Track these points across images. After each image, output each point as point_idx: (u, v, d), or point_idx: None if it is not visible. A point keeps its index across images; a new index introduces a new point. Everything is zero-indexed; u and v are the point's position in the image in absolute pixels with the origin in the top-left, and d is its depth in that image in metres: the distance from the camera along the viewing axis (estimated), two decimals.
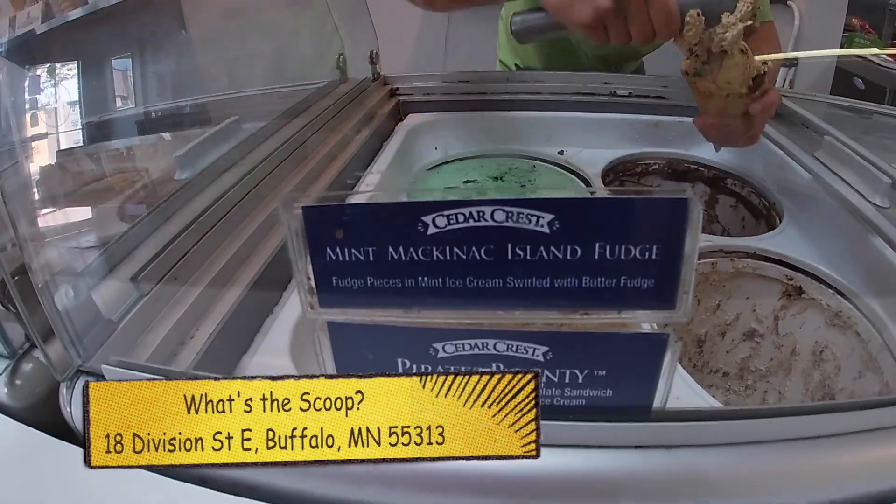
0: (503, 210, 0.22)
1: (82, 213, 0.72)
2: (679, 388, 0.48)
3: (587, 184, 0.87)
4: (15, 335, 0.40)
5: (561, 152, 0.94)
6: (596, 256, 0.23)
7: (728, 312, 0.76)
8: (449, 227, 0.22)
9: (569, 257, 0.23)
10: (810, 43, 2.27)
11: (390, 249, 0.23)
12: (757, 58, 0.62)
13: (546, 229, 0.22)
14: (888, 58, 2.37)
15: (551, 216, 0.22)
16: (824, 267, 0.67)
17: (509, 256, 0.23)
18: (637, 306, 0.25)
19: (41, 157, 0.76)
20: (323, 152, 0.71)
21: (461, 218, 0.22)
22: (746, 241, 0.72)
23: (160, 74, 1.66)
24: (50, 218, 0.51)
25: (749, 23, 0.59)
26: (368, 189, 0.70)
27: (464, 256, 0.23)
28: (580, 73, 0.99)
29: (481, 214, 0.22)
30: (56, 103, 0.90)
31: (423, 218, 0.22)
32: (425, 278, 0.23)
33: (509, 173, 0.93)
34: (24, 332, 0.39)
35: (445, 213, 0.22)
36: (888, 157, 0.94)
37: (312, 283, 0.24)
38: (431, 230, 0.23)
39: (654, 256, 0.23)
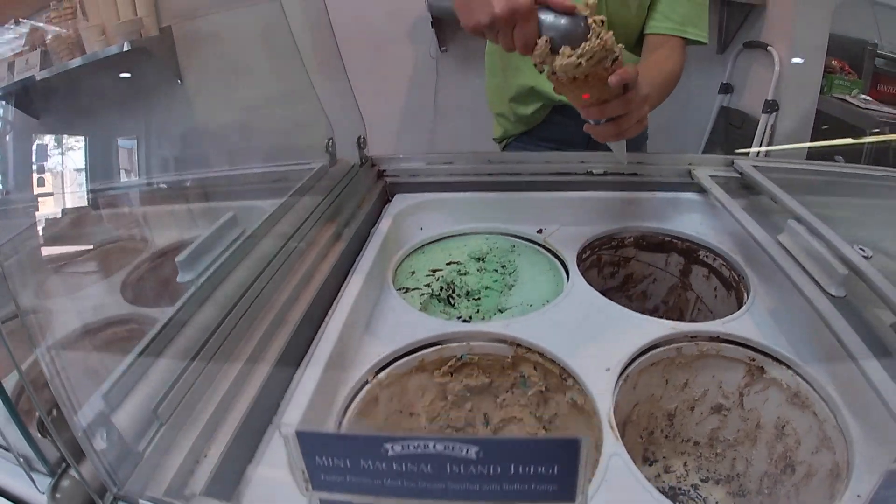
0: (442, 443, 0.31)
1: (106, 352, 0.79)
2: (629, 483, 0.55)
3: (563, 264, 0.95)
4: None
5: (539, 231, 1.02)
6: (511, 473, 0.31)
7: (695, 389, 0.83)
8: (404, 452, 0.31)
9: (490, 473, 0.32)
10: (791, 87, 2.37)
11: (362, 461, 0.31)
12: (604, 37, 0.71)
13: (473, 456, 0.31)
14: (867, 98, 2.48)
15: (476, 448, 0.31)
16: (784, 349, 0.74)
17: (447, 471, 0.31)
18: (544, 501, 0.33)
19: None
20: (315, 251, 0.79)
21: (413, 446, 0.30)
22: (710, 325, 0.79)
23: (160, 146, 1.75)
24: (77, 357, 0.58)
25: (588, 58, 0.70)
26: None
27: (415, 469, 0.31)
28: (558, 153, 1.08)
29: (427, 445, 0.30)
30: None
31: (386, 445, 0.31)
32: (388, 481, 0.32)
33: (490, 253, 1.00)
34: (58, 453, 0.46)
35: (402, 442, 0.30)
36: (855, 221, 1.03)
37: (306, 474, 0.33)
38: (392, 452, 0.31)
39: (554, 472, 0.32)
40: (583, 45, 0.69)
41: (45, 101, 3.20)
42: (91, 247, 1.17)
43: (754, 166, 1.08)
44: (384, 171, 1.09)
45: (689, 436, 0.87)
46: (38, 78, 3.00)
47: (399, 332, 0.77)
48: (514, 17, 0.70)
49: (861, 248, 0.78)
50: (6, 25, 3.06)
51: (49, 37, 2.91)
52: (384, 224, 0.97)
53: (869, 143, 1.15)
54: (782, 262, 0.79)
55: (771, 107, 2.34)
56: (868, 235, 0.94)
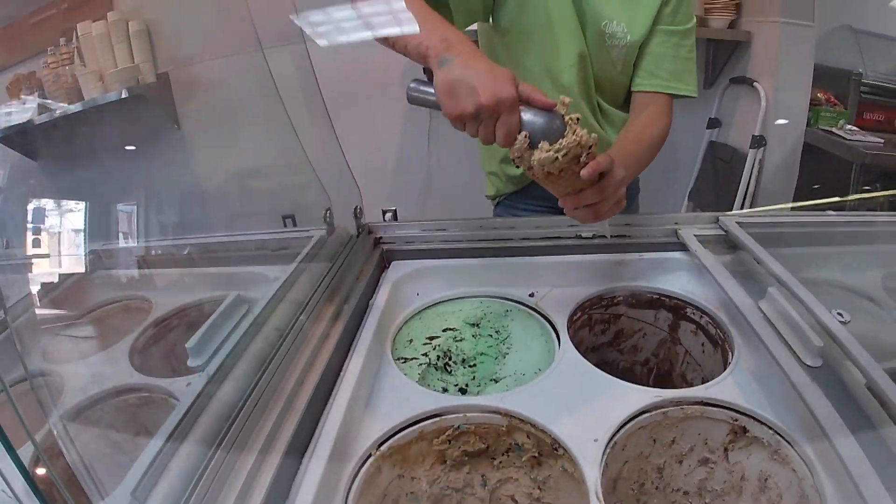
0: None
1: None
2: None
3: (553, 328, 1.00)
4: None
5: (531, 294, 1.08)
6: None
7: (682, 445, 0.87)
8: None
9: None
10: (777, 124, 2.44)
11: None
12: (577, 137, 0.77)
13: None
14: (853, 128, 2.55)
15: None
16: (765, 411, 0.79)
17: None
18: None
19: None
20: (318, 331, 0.84)
21: None
22: (694, 391, 0.84)
23: (161, 200, 1.81)
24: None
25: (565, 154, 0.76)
26: None
27: None
28: (548, 218, 1.13)
29: None
30: None
31: None
32: None
33: (485, 318, 1.05)
34: None
35: None
36: (838, 277, 1.09)
37: None
38: None
39: None
40: (559, 141, 0.75)
41: (44, 144, 3.30)
42: (96, 307, 1.22)
43: (738, 223, 1.13)
44: (380, 238, 1.14)
45: (679, 486, 0.92)
46: (36, 122, 3.09)
47: (399, 406, 0.82)
48: (499, 108, 0.75)
49: (839, 313, 0.83)
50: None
51: (47, 81, 2.99)
52: (382, 294, 1.02)
53: (857, 199, 1.21)
54: (761, 330, 0.84)
55: (758, 142, 2.40)
56: (855, 283, 1.01)
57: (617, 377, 0.88)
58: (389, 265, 1.12)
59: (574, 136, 0.75)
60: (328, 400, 0.77)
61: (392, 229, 1.15)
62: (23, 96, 3.34)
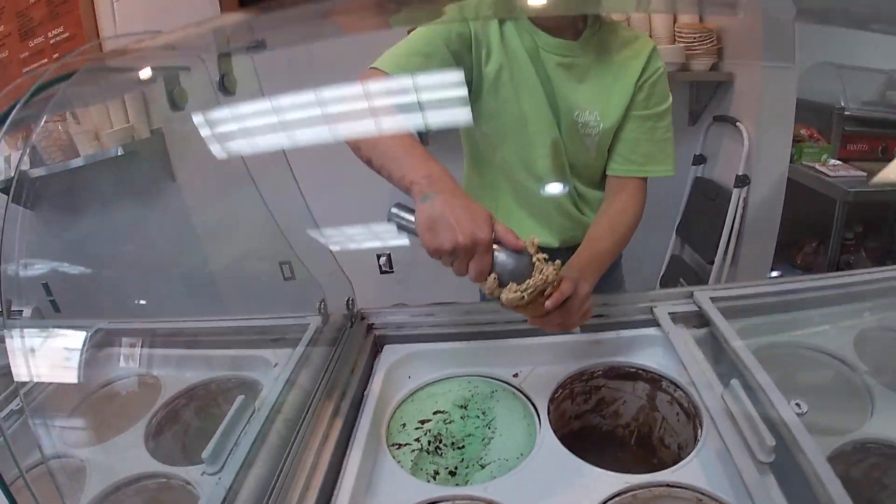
0: None
1: None
2: None
3: (535, 409, 1.11)
4: None
5: (515, 375, 1.19)
6: None
7: None
8: None
9: None
10: (761, 160, 2.53)
11: None
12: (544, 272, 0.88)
13: None
14: (837, 163, 2.65)
15: None
16: (727, 494, 0.89)
17: None
18: None
19: None
20: (319, 431, 0.95)
21: None
22: (661, 475, 0.93)
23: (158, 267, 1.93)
24: None
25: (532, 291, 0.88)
26: None
27: None
28: None
29: None
30: None
31: None
32: None
33: (472, 400, 1.16)
34: None
35: None
36: (812, 344, 1.18)
37: None
38: None
39: None
40: (527, 281, 0.86)
41: (40, 195, 3.42)
42: (108, 383, 1.32)
43: (712, 298, 1.24)
44: (373, 324, 1.25)
45: None
46: (32, 176, 3.20)
47: (394, 497, 0.93)
48: (474, 249, 0.84)
49: (797, 404, 0.92)
50: None
51: (39, 137, 3.10)
52: (377, 381, 1.13)
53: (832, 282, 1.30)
54: (721, 423, 0.94)
55: (742, 181, 2.51)
56: (828, 345, 1.13)
57: (600, 439, 0.98)
58: (382, 349, 1.23)
59: (540, 276, 0.87)
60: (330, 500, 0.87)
61: (384, 315, 1.26)
62: (18, 146, 3.46)
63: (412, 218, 0.89)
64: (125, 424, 1.18)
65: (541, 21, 1.23)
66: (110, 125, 3.33)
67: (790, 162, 2.63)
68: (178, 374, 1.30)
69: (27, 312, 1.94)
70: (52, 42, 3.54)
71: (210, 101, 1.19)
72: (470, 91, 1.26)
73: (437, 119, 1.19)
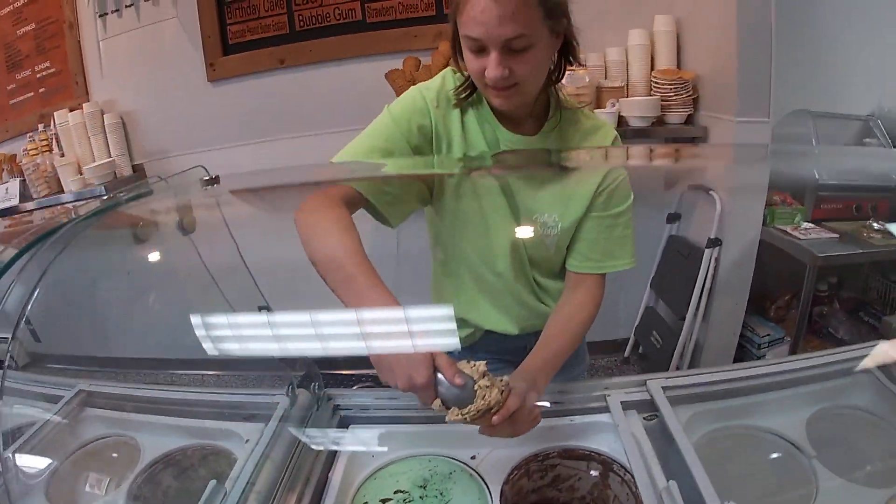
0: None
1: None
2: None
3: (489, 491, 1.18)
4: None
5: (473, 457, 1.26)
6: None
7: None
8: None
9: None
10: (733, 225, 2.63)
11: None
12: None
13: None
14: (810, 226, 2.74)
15: None
16: None
17: None
18: None
19: None
20: None
21: None
22: None
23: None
24: None
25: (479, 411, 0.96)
26: None
27: None
28: None
29: None
30: None
31: None
32: None
33: (431, 480, 1.23)
34: None
35: None
36: (765, 427, 1.26)
37: None
38: None
39: None
40: (468, 406, 0.95)
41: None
42: (89, 442, 1.40)
43: (664, 387, 1.31)
44: (339, 405, 1.33)
45: None
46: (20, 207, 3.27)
47: None
48: (414, 390, 0.95)
49: None
50: None
51: (28, 170, 3.18)
52: (341, 461, 1.21)
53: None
54: None
55: (714, 243, 2.61)
56: (780, 428, 1.20)
57: None
58: (348, 428, 1.30)
59: (483, 402, 0.95)
60: None
61: (349, 397, 1.34)
62: (4, 176, 3.55)
63: None
64: (107, 487, 1.29)
65: (500, 112, 1.26)
66: (93, 158, 3.41)
67: (763, 224, 2.70)
68: (155, 438, 1.37)
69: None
70: (38, 76, 3.62)
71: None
72: (429, 191, 1.32)
73: (399, 215, 1.27)
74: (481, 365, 0.98)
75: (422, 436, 1.29)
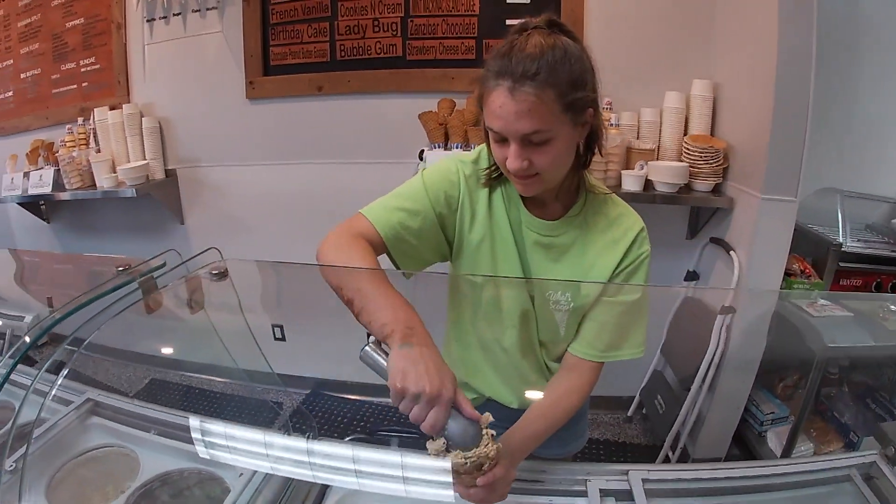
0: None
1: None
2: None
3: None
4: None
5: None
6: None
7: None
8: None
9: None
10: (749, 294, 2.66)
11: None
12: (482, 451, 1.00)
13: None
14: (825, 304, 2.75)
15: None
16: None
17: None
18: None
19: None
20: None
21: None
22: None
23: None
24: None
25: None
26: None
27: None
28: None
29: None
30: None
31: None
32: None
33: None
34: None
35: None
36: None
37: None
38: None
39: None
40: (473, 450, 0.99)
41: (56, 212, 3.69)
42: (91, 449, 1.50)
43: (644, 479, 1.37)
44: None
45: None
46: (52, 198, 3.43)
47: None
48: (437, 401, 0.94)
49: None
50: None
51: (63, 161, 3.31)
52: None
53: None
54: None
55: (727, 310, 2.64)
56: None
57: None
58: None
59: (485, 449, 1.00)
60: None
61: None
62: (40, 162, 3.69)
63: (383, 361, 1.01)
64: (105, 495, 1.39)
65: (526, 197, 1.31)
66: (127, 158, 3.53)
67: (778, 298, 2.72)
68: (154, 455, 1.47)
69: (28, 318, 2.15)
70: (82, 70, 3.75)
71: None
72: (450, 251, 1.38)
73: (415, 266, 1.34)
74: (489, 416, 1.03)
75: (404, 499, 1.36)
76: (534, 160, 1.14)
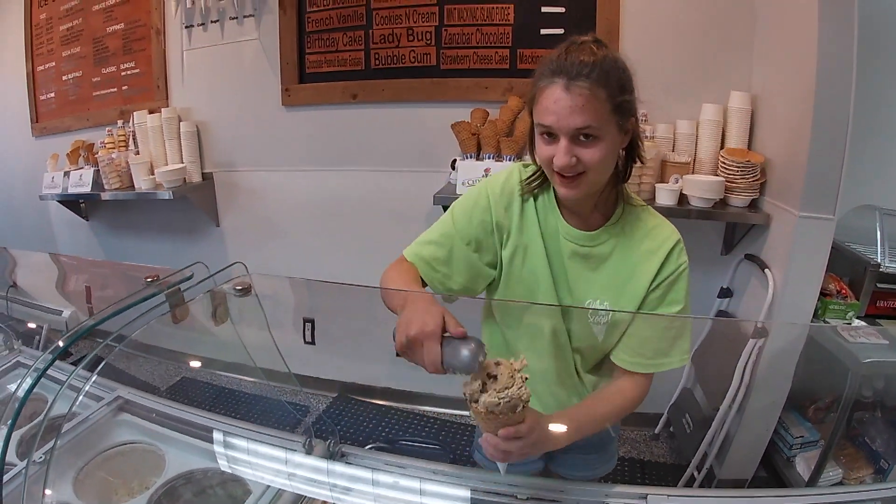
0: None
1: None
2: None
3: None
4: None
5: None
6: None
7: None
8: None
9: None
10: (783, 311, 2.61)
11: None
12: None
13: None
14: (861, 324, 2.70)
15: None
16: None
17: None
18: None
19: None
20: None
21: None
22: None
23: None
24: None
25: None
26: None
27: None
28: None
29: None
30: None
31: None
32: None
33: None
34: None
35: None
36: None
37: None
38: None
39: None
40: (508, 390, 1.03)
41: (95, 210, 3.80)
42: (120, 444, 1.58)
43: None
44: (351, 463, 1.42)
45: None
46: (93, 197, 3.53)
47: None
48: (421, 337, 1.02)
49: None
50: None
51: (103, 162, 3.40)
52: None
53: None
54: None
55: (760, 333, 2.61)
56: None
57: None
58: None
59: (519, 391, 1.03)
60: None
61: (362, 457, 1.42)
62: (80, 162, 3.80)
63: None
64: (131, 490, 1.47)
65: (565, 205, 1.36)
66: (165, 161, 3.61)
67: (814, 316, 2.67)
68: (180, 454, 1.54)
69: (66, 313, 2.22)
70: (122, 74, 3.85)
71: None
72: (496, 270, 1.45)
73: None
74: (524, 360, 1.08)
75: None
76: (582, 157, 1.20)
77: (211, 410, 1.63)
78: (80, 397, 1.42)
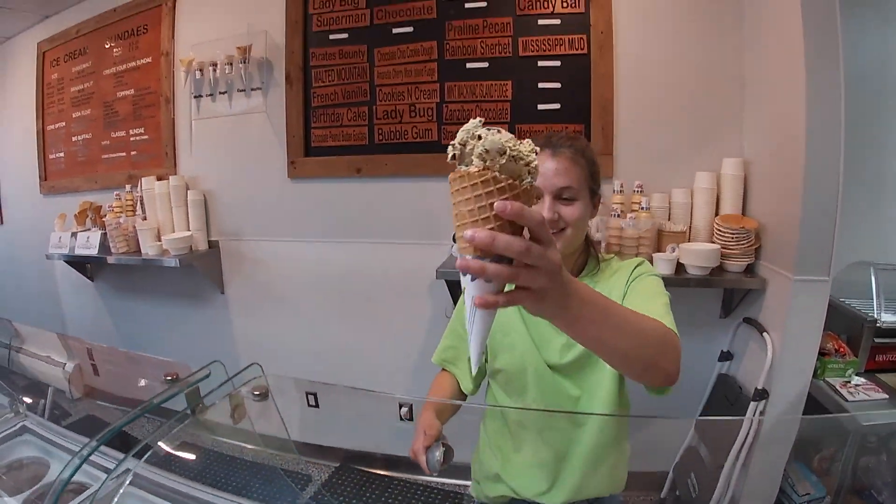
0: None
1: None
2: None
3: None
4: None
5: None
6: None
7: None
8: None
9: None
10: (782, 374, 2.67)
11: None
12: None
13: None
14: (860, 381, 2.75)
15: None
16: None
17: None
18: None
19: None
20: None
21: None
22: None
23: None
24: None
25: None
26: None
27: None
28: None
29: None
30: None
31: None
32: None
33: None
34: None
35: None
36: None
37: None
38: None
39: None
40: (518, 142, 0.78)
41: (100, 272, 3.86)
42: None
43: None
44: None
45: None
46: (99, 260, 3.60)
47: None
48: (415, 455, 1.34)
49: None
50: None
51: (111, 226, 3.47)
52: None
53: None
54: None
55: (760, 395, 2.68)
56: None
57: None
58: None
59: (528, 148, 0.80)
60: None
61: None
62: (88, 223, 3.87)
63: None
64: None
65: None
66: (172, 228, 3.68)
67: (813, 376, 2.72)
68: None
69: (69, 367, 2.27)
70: (131, 139, 3.94)
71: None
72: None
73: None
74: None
75: None
76: (563, 214, 1.47)
77: (214, 482, 1.70)
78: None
